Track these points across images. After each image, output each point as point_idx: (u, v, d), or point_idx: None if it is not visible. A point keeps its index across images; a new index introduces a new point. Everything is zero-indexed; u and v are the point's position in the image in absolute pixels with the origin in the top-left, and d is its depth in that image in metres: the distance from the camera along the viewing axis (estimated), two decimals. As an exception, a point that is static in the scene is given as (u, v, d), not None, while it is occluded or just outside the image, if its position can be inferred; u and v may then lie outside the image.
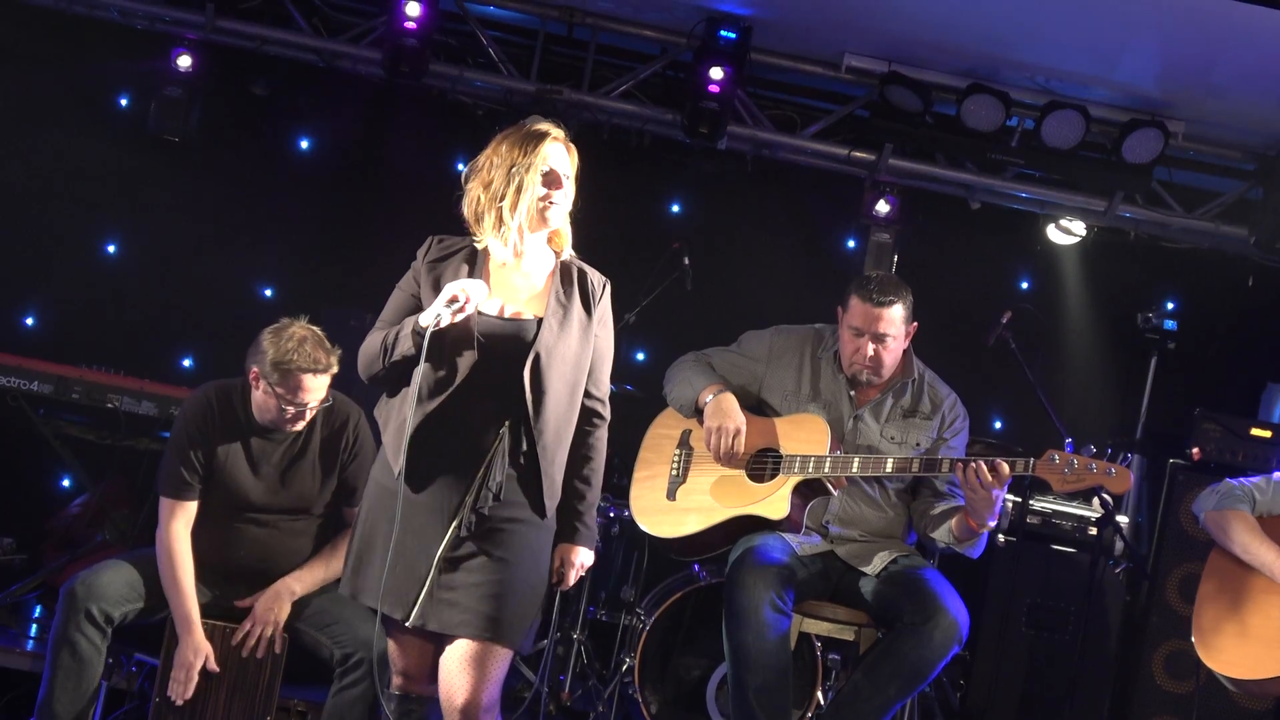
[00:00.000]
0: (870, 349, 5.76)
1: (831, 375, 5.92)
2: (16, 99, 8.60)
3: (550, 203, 4.56)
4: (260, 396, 5.44)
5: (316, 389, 5.44)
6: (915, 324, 5.90)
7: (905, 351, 5.95)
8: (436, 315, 4.38)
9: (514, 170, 4.56)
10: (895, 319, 5.77)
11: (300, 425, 5.52)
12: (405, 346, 4.43)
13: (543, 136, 4.61)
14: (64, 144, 8.67)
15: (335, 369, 5.45)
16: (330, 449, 5.62)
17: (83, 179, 8.73)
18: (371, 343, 4.57)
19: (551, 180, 4.57)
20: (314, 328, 5.47)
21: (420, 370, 4.45)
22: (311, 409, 5.50)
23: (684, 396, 5.95)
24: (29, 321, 8.80)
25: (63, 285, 8.76)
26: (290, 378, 5.36)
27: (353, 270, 8.75)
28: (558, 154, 4.61)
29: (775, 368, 5.99)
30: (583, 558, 4.79)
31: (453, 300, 4.39)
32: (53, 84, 8.67)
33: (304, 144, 9.11)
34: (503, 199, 4.56)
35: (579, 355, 4.66)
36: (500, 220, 4.55)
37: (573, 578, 4.78)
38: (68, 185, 8.71)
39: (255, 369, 5.41)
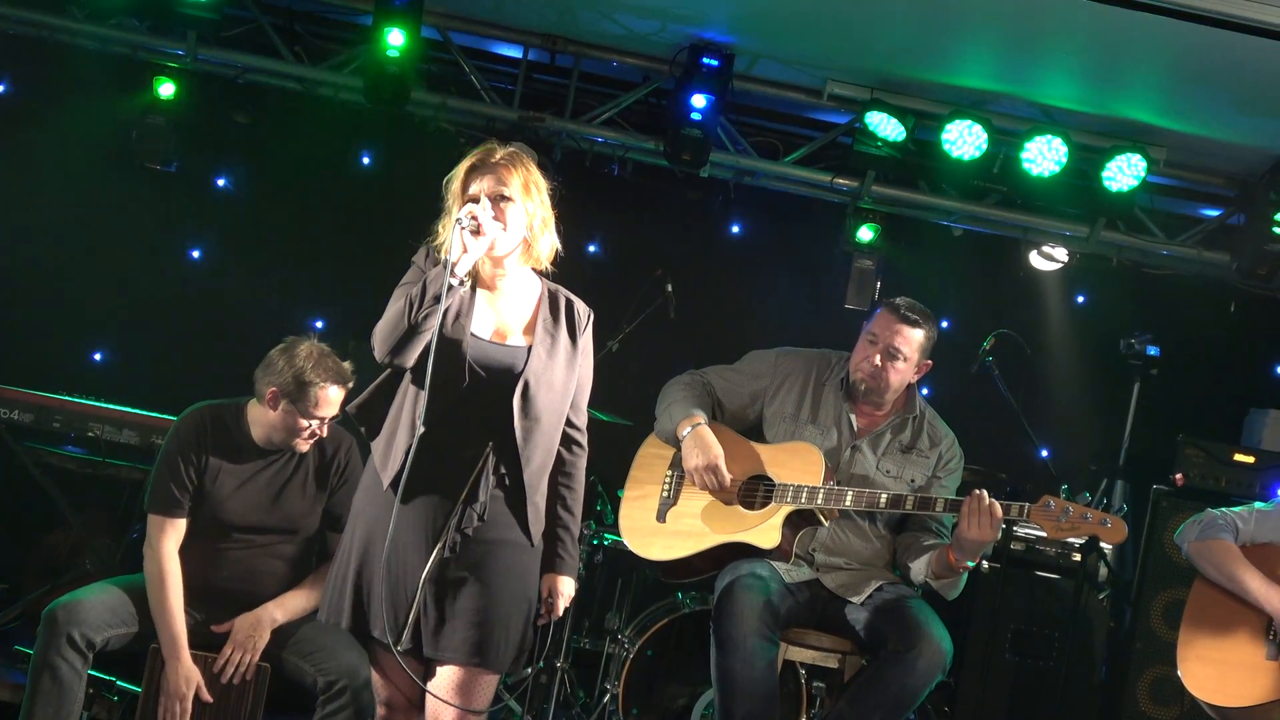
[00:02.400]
0: (878, 360, 5.80)
1: (834, 402, 5.92)
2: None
3: (472, 223, 4.47)
4: (276, 416, 5.46)
5: (336, 402, 5.48)
6: (930, 363, 5.92)
7: (910, 387, 5.96)
8: (462, 242, 4.39)
9: (449, 204, 4.59)
10: (913, 340, 5.81)
11: (309, 444, 5.54)
12: (437, 285, 4.38)
13: (465, 163, 4.61)
14: (46, 172, 8.64)
15: (352, 381, 5.48)
16: (323, 472, 5.64)
17: (64, 207, 8.71)
18: (389, 313, 4.50)
19: (467, 206, 4.51)
20: (321, 344, 5.50)
21: (411, 394, 4.51)
22: (325, 425, 5.51)
23: (663, 427, 5.96)
24: (9, 350, 8.75)
25: (44, 313, 8.73)
26: (312, 391, 5.40)
27: (334, 297, 8.75)
28: (480, 178, 4.58)
29: (777, 389, 5.99)
30: (567, 587, 4.82)
31: (471, 218, 4.42)
32: (34, 112, 8.66)
33: (286, 172, 9.09)
34: (444, 229, 4.59)
35: (565, 384, 4.69)
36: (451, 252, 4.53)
37: (562, 607, 4.81)
38: (50, 213, 8.69)
39: (274, 388, 5.42)
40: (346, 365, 5.51)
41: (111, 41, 8.35)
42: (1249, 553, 5.70)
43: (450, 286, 4.38)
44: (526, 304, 4.72)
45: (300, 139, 8.89)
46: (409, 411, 4.54)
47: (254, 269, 8.94)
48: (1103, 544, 7.51)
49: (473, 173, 4.57)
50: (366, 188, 8.95)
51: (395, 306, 4.47)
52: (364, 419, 4.70)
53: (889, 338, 5.81)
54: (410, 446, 4.45)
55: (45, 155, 8.65)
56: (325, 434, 5.58)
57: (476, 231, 4.43)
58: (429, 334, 4.44)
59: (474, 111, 8.50)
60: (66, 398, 7.00)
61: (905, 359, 5.82)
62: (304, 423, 5.46)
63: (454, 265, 4.37)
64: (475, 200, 4.52)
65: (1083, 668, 7.53)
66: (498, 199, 4.54)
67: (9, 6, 8.11)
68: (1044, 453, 7.04)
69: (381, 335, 4.49)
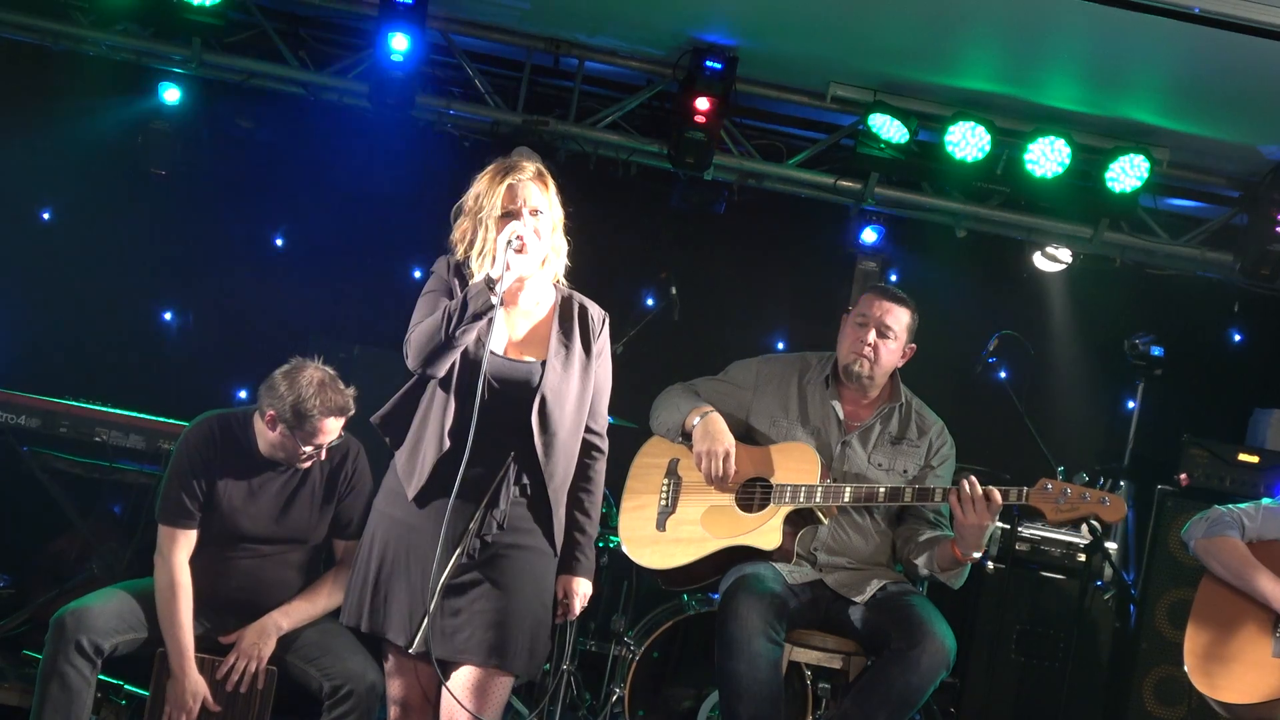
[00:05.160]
0: (871, 337, 5.83)
1: (820, 402, 5.94)
2: (3, 135, 8.61)
3: (518, 242, 4.52)
4: (275, 437, 5.46)
5: (334, 430, 5.48)
6: (914, 346, 5.97)
7: (894, 377, 6.00)
8: (505, 260, 4.43)
9: (480, 217, 4.60)
10: (901, 318, 5.88)
11: (309, 463, 5.54)
12: (479, 302, 4.41)
13: (498, 178, 4.61)
14: (52, 179, 8.66)
15: (353, 409, 5.47)
16: (330, 481, 5.64)
17: (70, 213, 8.73)
18: (425, 325, 4.54)
19: (512, 225, 4.54)
20: (326, 368, 5.50)
21: (437, 406, 4.57)
22: (326, 449, 5.52)
23: (670, 421, 5.95)
24: (15, 355, 8.78)
25: (50, 318, 8.75)
26: (309, 422, 5.38)
27: (341, 302, 8.76)
28: (518, 195, 4.59)
29: (762, 395, 6.01)
30: (584, 588, 4.88)
31: (519, 238, 4.46)
32: (39, 119, 8.68)
33: (291, 177, 9.11)
34: (471, 246, 4.62)
35: (581, 394, 4.73)
36: (484, 264, 4.58)
37: (578, 608, 4.86)
38: (55, 219, 8.70)
39: (272, 412, 5.41)
40: (350, 391, 5.49)
41: (116, 48, 8.36)
42: (1255, 549, 5.70)
43: (492, 305, 4.42)
44: (541, 316, 4.76)
45: (305, 144, 8.91)
46: (435, 423, 4.58)
47: (259, 274, 8.95)
48: (1107, 544, 7.52)
49: (511, 190, 4.59)
50: (371, 192, 8.95)
51: (432, 319, 4.51)
52: (388, 429, 4.74)
53: (879, 315, 5.86)
54: (441, 450, 4.54)
55: (51, 161, 8.67)
56: (325, 456, 5.60)
57: (521, 250, 4.47)
58: (463, 347, 4.50)
59: (478, 115, 8.51)
60: (73, 403, 7.01)
61: (896, 337, 5.87)
62: (303, 448, 5.47)
63: (497, 283, 4.41)
64: (516, 217, 4.55)
65: (1088, 668, 7.53)
66: (535, 214, 4.59)
67: (13, 13, 8.13)
68: (1048, 453, 7.03)
69: (416, 346, 4.54)
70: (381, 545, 4.64)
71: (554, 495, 4.65)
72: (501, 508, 4.56)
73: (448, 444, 4.53)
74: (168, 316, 8.84)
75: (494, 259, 4.50)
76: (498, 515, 4.56)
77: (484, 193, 4.62)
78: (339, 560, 5.67)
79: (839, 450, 5.86)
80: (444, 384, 4.56)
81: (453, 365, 4.53)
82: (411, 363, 4.56)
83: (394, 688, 4.74)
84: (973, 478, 5.38)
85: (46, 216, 8.73)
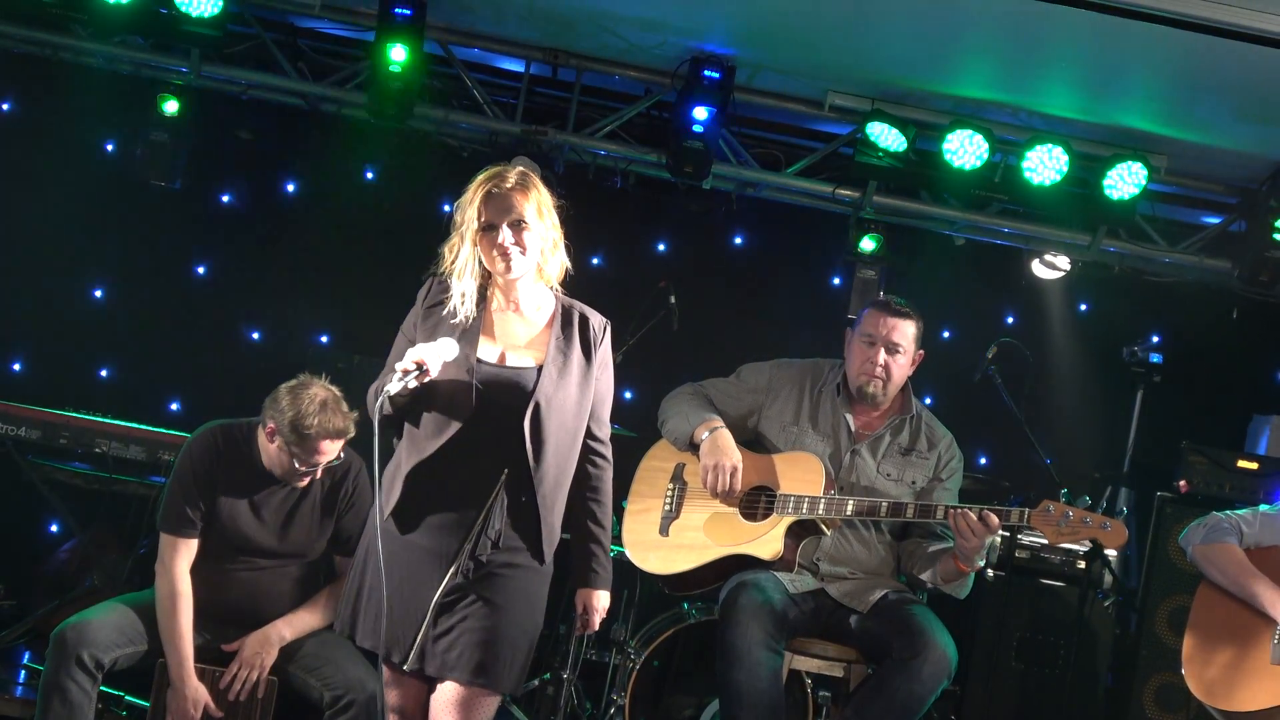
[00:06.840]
0: (882, 357, 5.83)
1: (831, 408, 5.95)
2: (3, 146, 8.62)
3: (499, 257, 4.54)
4: (274, 451, 5.46)
5: (332, 451, 5.48)
6: (922, 353, 5.98)
7: (905, 388, 6.00)
8: (402, 383, 4.40)
9: (463, 231, 4.60)
10: (908, 333, 5.88)
11: (307, 481, 5.54)
12: (385, 408, 4.45)
13: (478, 190, 4.59)
14: (51, 190, 8.67)
15: (352, 432, 5.47)
16: (331, 497, 5.64)
17: (70, 225, 8.73)
18: (372, 389, 4.60)
19: (490, 239, 4.55)
20: (333, 388, 5.49)
21: (406, 428, 4.58)
22: (322, 469, 5.52)
23: (679, 430, 5.95)
24: (16, 367, 8.80)
25: (50, 330, 8.76)
26: (308, 441, 5.38)
27: (339, 313, 8.76)
28: (495, 206, 4.57)
29: (774, 399, 6.01)
30: (603, 600, 4.90)
31: (418, 365, 4.41)
32: (39, 131, 8.69)
33: (290, 188, 9.12)
34: (455, 259, 4.62)
35: (579, 402, 4.71)
36: (461, 278, 4.60)
37: (597, 621, 4.89)
38: (55, 231, 8.70)
39: (272, 425, 5.41)
40: (352, 415, 5.46)
41: (116, 59, 8.37)
42: (1253, 556, 5.70)
43: (393, 410, 4.50)
44: (539, 323, 4.74)
45: (304, 155, 8.92)
46: (421, 438, 4.58)
47: (259, 285, 8.96)
48: (1107, 550, 7.52)
49: (488, 200, 4.56)
50: (370, 203, 8.97)
51: (376, 384, 4.55)
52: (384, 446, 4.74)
53: (886, 333, 5.87)
54: (415, 463, 4.54)
55: (51, 173, 8.67)
56: (320, 475, 5.59)
57: (421, 378, 4.42)
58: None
59: (477, 125, 8.52)
60: (73, 414, 7.01)
61: (904, 351, 5.88)
62: (299, 465, 5.46)
63: (384, 400, 4.42)
64: (495, 229, 4.55)
65: (1088, 675, 7.53)
66: (515, 225, 4.56)
67: (13, 25, 8.14)
68: (1047, 460, 7.03)
69: (371, 406, 4.56)
70: (375, 561, 4.62)
71: (543, 502, 4.60)
72: (496, 526, 4.55)
73: (429, 451, 4.52)
74: (168, 327, 8.83)
75: (472, 271, 4.58)
76: (492, 534, 4.54)
77: (465, 204, 4.60)
78: (339, 575, 5.67)
79: (848, 459, 5.86)
80: (432, 396, 4.54)
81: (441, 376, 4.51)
82: (372, 415, 4.55)
83: (392, 697, 4.75)
84: (966, 511, 5.39)
85: (46, 228, 8.72)
